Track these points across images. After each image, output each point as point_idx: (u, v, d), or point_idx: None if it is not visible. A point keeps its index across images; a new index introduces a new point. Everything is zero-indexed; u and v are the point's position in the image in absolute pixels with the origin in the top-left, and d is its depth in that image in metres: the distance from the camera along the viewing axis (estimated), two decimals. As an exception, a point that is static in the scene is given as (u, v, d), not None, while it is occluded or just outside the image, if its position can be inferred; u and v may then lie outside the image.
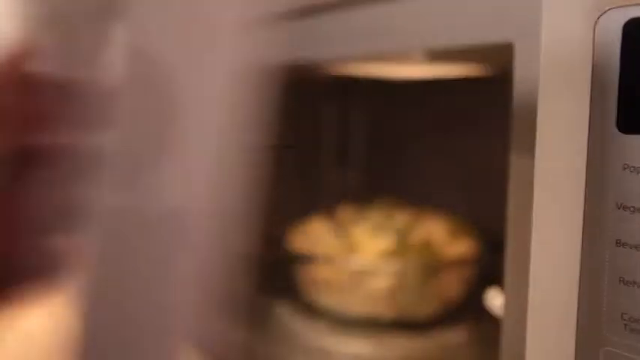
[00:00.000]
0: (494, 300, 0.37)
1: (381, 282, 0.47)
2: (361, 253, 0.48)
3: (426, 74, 0.51)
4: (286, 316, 0.53)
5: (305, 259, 0.50)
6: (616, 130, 0.19)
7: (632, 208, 0.19)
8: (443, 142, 0.73)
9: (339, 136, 0.83)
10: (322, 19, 0.37)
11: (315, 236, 0.52)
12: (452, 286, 0.49)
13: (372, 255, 0.47)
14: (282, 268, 0.55)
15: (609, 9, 0.19)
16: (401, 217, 0.53)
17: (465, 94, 0.68)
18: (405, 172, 0.78)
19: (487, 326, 0.48)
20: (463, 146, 0.69)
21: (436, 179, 0.74)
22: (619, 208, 0.19)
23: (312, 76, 0.71)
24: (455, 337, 0.48)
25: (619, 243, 0.19)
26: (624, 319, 0.19)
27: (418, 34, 0.31)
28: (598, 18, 0.20)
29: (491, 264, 0.46)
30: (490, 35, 0.28)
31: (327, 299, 0.50)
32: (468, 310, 0.51)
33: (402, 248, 0.47)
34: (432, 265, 0.47)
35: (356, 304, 0.48)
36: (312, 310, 0.53)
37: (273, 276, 0.60)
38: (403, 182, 0.78)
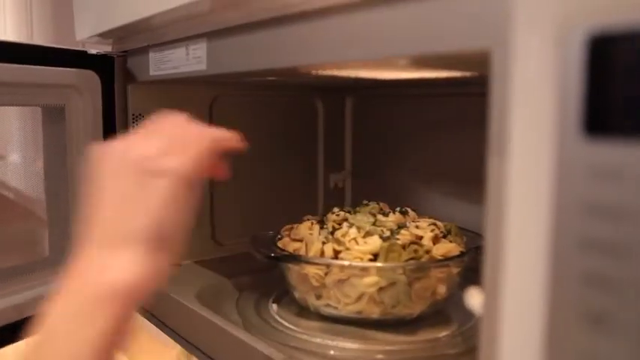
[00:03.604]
0: (473, 298, 0.38)
1: (369, 282, 0.48)
2: (349, 255, 0.49)
3: (412, 76, 0.52)
4: (278, 314, 0.54)
5: (296, 260, 0.51)
6: (580, 135, 0.20)
7: (598, 210, 0.20)
8: (433, 145, 0.74)
9: (331, 142, 0.84)
10: (311, 26, 0.38)
11: (305, 238, 0.53)
12: (437, 285, 0.50)
13: (359, 256, 0.49)
14: (274, 268, 0.56)
15: (574, 23, 0.21)
16: (387, 221, 0.55)
17: (456, 97, 0.70)
18: (396, 177, 0.80)
19: (473, 324, 0.50)
20: (453, 149, 0.71)
21: (426, 182, 0.76)
22: (584, 208, 0.21)
23: (306, 83, 0.72)
24: (441, 334, 0.49)
25: (586, 244, 0.21)
26: (590, 317, 0.21)
27: (402, 42, 0.33)
28: (564, 30, 0.21)
29: (476, 264, 0.48)
30: (470, 44, 0.29)
31: (317, 298, 0.52)
32: (453, 308, 0.53)
33: (388, 250, 0.48)
34: (418, 266, 0.48)
35: (344, 304, 0.50)
36: (302, 309, 0.54)
37: (266, 276, 0.61)
38: (394, 186, 0.80)
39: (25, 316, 0.55)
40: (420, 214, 0.60)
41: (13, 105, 0.59)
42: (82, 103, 0.60)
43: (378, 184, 0.82)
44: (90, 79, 0.61)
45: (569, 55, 0.21)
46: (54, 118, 0.61)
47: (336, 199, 0.83)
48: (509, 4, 0.23)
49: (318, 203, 0.83)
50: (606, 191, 0.20)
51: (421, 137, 0.76)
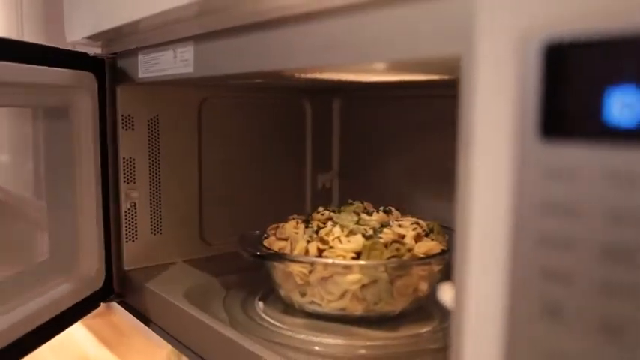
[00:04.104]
0: (445, 294, 0.39)
1: (351, 280, 0.49)
2: (333, 253, 0.50)
3: (393, 79, 0.54)
4: (264, 312, 0.55)
5: (280, 258, 0.53)
6: (537, 137, 0.22)
7: (553, 208, 0.22)
8: (419, 146, 0.76)
9: (319, 143, 0.85)
10: (293, 31, 0.39)
11: (291, 237, 0.54)
12: (419, 283, 0.51)
13: (342, 254, 0.50)
14: (261, 267, 0.57)
15: (531, 33, 0.22)
16: (371, 220, 0.56)
17: (441, 99, 0.71)
18: (383, 177, 0.81)
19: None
20: (439, 150, 0.72)
21: (412, 182, 0.77)
22: (541, 206, 0.22)
23: (294, 85, 0.73)
24: (422, 330, 0.51)
25: (543, 240, 0.22)
26: (547, 308, 0.22)
27: (379, 47, 0.34)
28: (523, 40, 0.22)
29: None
30: (443, 50, 0.31)
31: (301, 296, 0.53)
32: (435, 305, 0.54)
33: (371, 248, 0.49)
34: (399, 264, 0.50)
35: (328, 301, 0.51)
36: (287, 306, 0.56)
37: (253, 275, 0.62)
38: (380, 186, 0.81)
39: (36, 326, 0.54)
40: (406, 213, 0.61)
41: (15, 106, 0.58)
42: (85, 105, 0.61)
43: (365, 184, 0.83)
44: (90, 81, 0.61)
45: (527, 63, 0.22)
46: (56, 119, 0.61)
47: (324, 199, 0.84)
48: (475, 15, 0.24)
49: (306, 203, 0.84)
50: (560, 190, 0.21)
51: (408, 138, 0.78)
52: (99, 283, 0.65)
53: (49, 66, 0.54)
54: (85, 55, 0.62)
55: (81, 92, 0.61)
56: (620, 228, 0.20)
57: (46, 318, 0.55)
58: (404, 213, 0.61)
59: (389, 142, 0.80)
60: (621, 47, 0.20)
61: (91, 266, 0.63)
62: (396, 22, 0.32)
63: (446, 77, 0.47)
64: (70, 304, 0.59)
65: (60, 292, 0.58)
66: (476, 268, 0.25)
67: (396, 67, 0.39)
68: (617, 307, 0.20)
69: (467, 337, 0.25)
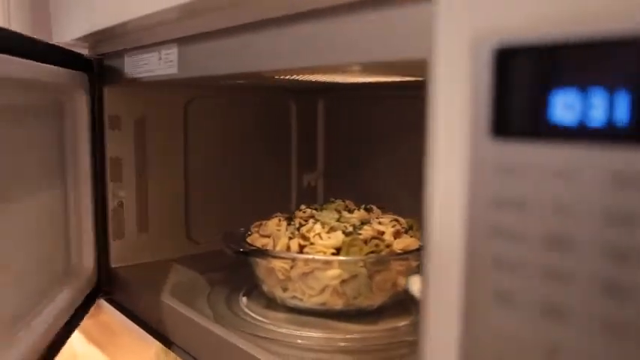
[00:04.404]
0: (414, 285, 0.41)
1: (331, 275, 0.50)
2: (313, 249, 0.52)
3: (375, 80, 0.55)
4: (247, 307, 0.57)
5: (263, 254, 0.54)
6: (489, 136, 0.23)
7: (503, 202, 0.23)
8: (404, 145, 0.77)
9: (304, 142, 0.86)
10: (269, 34, 0.41)
11: (273, 234, 0.56)
12: (398, 278, 0.53)
13: (323, 250, 0.51)
14: (245, 264, 0.58)
15: (485, 37, 0.23)
16: (352, 217, 0.57)
17: (420, 99, 0.73)
18: (367, 176, 0.82)
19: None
20: (422, 149, 0.74)
21: (396, 181, 0.79)
22: (493, 200, 0.23)
23: (279, 85, 0.74)
24: (400, 323, 0.52)
25: (494, 232, 0.24)
26: (499, 296, 0.24)
27: (350, 50, 0.35)
28: (476, 43, 0.24)
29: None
30: (411, 53, 0.32)
31: (283, 291, 0.54)
32: (413, 299, 0.56)
33: (350, 244, 0.51)
34: (378, 259, 0.51)
35: (309, 295, 0.52)
36: (270, 302, 0.57)
37: (237, 272, 0.64)
38: (365, 185, 0.83)
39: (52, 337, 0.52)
40: (388, 211, 0.63)
41: (9, 104, 0.55)
42: (80, 104, 0.62)
43: (350, 183, 0.85)
44: (85, 81, 0.62)
45: (480, 66, 0.24)
46: (46, 119, 0.61)
47: (309, 198, 0.86)
48: (436, 21, 0.26)
49: (291, 202, 0.86)
50: (510, 185, 0.23)
51: (392, 137, 0.79)
52: (94, 282, 0.66)
53: (46, 63, 0.53)
54: (80, 55, 0.63)
55: (77, 92, 0.61)
56: (562, 219, 0.21)
57: (60, 325, 0.54)
58: (386, 211, 0.62)
59: (373, 141, 0.81)
60: (563, 53, 0.21)
61: (88, 265, 0.64)
62: (368, 26, 0.34)
63: (420, 79, 0.49)
64: (77, 305, 0.59)
65: (66, 295, 0.58)
66: (436, 259, 0.26)
67: (369, 69, 0.40)
68: (559, 293, 0.21)
69: (430, 325, 0.27)
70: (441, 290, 0.26)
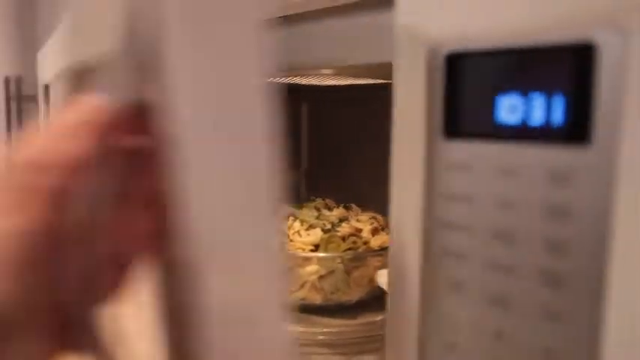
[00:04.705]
0: (381, 277, 0.42)
1: (309, 271, 0.52)
2: (292, 246, 0.53)
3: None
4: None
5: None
6: (442, 136, 0.25)
7: (453, 197, 0.25)
8: (386, 145, 0.79)
9: (288, 142, 0.88)
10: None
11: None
12: (375, 273, 0.54)
13: (302, 247, 0.53)
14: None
15: (438, 43, 0.25)
16: (331, 215, 0.59)
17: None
18: (351, 176, 0.84)
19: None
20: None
21: (379, 181, 0.80)
22: (445, 195, 0.25)
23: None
24: (377, 318, 0.54)
25: (445, 224, 0.25)
26: (450, 285, 0.25)
27: (325, 53, 0.37)
28: (431, 49, 0.25)
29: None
30: (380, 57, 0.34)
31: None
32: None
33: (328, 241, 0.52)
34: (355, 256, 0.53)
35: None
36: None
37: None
38: (348, 185, 0.84)
39: None
40: (368, 209, 0.64)
41: None
42: None
43: (333, 182, 0.86)
44: None
45: (435, 71, 0.25)
46: None
47: (292, 197, 0.87)
48: (398, 28, 0.28)
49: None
50: (460, 181, 0.24)
51: (374, 138, 0.81)
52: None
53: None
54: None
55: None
56: (506, 214, 0.23)
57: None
58: (365, 209, 0.64)
59: (356, 141, 0.83)
60: (507, 60, 0.23)
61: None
62: (343, 32, 0.35)
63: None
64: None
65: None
66: (396, 252, 0.28)
67: (344, 72, 0.42)
68: (503, 283, 0.23)
69: (393, 315, 0.29)
70: (402, 282, 0.28)
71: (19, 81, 0.90)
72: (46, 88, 0.72)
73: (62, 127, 0.22)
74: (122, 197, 0.23)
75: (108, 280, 0.24)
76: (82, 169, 0.21)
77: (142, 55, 0.21)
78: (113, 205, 0.23)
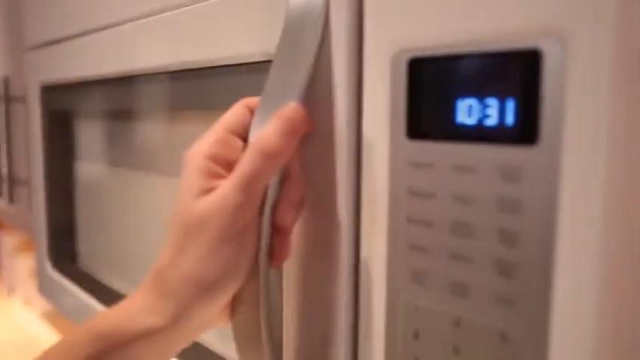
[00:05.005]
0: None
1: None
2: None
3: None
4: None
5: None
6: (404, 136, 0.27)
7: (416, 193, 0.26)
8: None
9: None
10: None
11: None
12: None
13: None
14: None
15: (399, 50, 0.27)
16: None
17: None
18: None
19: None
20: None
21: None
22: (408, 192, 0.27)
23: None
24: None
25: (409, 219, 0.27)
26: (414, 276, 0.27)
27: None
28: (396, 57, 0.27)
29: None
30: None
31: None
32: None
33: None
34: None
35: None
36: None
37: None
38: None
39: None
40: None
41: None
42: None
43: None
44: None
45: (398, 76, 0.27)
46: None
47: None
48: (365, 35, 0.29)
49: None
50: (421, 179, 0.26)
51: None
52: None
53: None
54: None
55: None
56: (464, 208, 0.25)
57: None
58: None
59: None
60: (464, 65, 0.25)
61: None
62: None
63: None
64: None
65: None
66: (366, 245, 0.30)
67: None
68: (462, 273, 0.25)
69: (363, 306, 0.30)
70: (371, 273, 0.29)
71: (6, 81, 0.91)
72: (44, 89, 0.73)
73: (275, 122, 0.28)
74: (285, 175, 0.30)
75: (275, 245, 0.29)
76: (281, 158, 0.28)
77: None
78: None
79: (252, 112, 0.31)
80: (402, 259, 0.27)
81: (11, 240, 1.47)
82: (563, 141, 0.21)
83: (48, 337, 1.23)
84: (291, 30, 0.30)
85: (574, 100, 0.21)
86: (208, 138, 0.29)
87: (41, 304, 1.29)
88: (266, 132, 0.28)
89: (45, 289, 0.80)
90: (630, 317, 0.22)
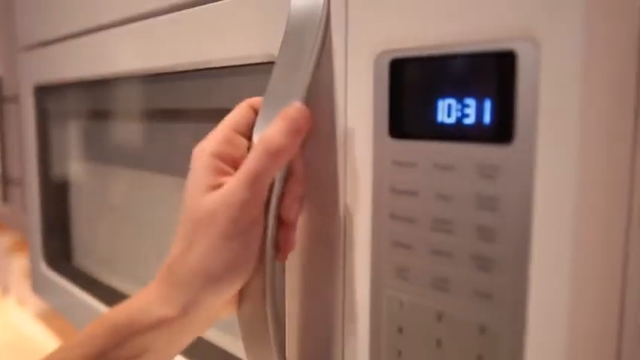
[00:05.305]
0: None
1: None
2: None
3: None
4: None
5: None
6: (387, 135, 0.27)
7: (399, 191, 0.27)
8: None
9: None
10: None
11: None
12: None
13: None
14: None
15: (382, 51, 0.27)
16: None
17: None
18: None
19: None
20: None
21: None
22: (390, 189, 0.27)
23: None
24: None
25: (392, 216, 0.28)
26: (397, 271, 0.28)
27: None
28: (378, 58, 0.28)
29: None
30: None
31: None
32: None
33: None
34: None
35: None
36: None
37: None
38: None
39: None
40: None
41: None
42: None
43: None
44: None
45: (380, 77, 0.28)
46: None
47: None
48: (348, 37, 0.30)
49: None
50: (404, 177, 0.27)
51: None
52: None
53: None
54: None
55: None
56: (444, 205, 0.25)
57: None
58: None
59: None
60: (443, 65, 0.25)
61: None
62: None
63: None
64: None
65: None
66: (350, 242, 0.30)
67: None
68: (443, 269, 0.26)
69: (346, 301, 0.31)
70: (355, 270, 0.30)
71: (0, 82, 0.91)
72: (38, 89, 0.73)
73: (279, 122, 0.29)
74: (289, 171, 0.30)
75: (280, 238, 0.30)
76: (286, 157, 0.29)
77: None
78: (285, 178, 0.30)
79: (256, 111, 0.32)
80: (385, 255, 0.28)
81: (5, 240, 1.47)
82: (538, 139, 0.22)
83: (42, 337, 1.23)
84: (293, 32, 0.31)
85: (547, 99, 0.22)
86: (215, 136, 0.30)
87: (35, 304, 1.29)
88: (271, 131, 0.29)
89: (39, 287, 0.80)
90: (602, 309, 0.23)
